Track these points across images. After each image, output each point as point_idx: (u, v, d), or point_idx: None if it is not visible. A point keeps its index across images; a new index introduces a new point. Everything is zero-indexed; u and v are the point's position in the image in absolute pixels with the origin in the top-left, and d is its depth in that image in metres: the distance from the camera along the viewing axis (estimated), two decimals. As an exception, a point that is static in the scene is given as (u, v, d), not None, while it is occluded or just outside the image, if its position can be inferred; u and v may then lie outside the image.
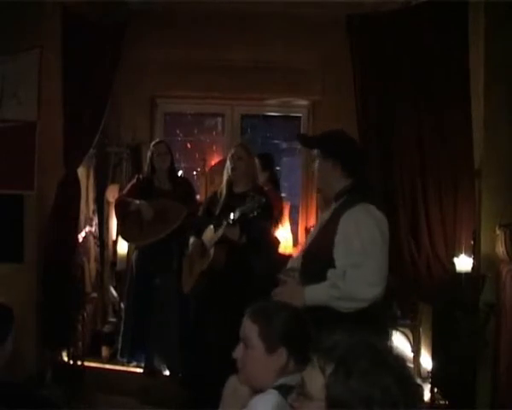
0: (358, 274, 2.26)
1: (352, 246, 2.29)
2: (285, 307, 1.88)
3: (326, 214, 2.55)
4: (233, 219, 3.40)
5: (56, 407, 2.71)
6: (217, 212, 3.73)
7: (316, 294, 2.31)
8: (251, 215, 3.29)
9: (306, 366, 1.29)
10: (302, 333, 1.75)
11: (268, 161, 4.82)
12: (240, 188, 3.75)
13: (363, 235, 2.29)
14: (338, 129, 2.67)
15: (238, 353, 1.81)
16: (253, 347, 1.77)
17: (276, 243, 4.75)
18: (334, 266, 2.33)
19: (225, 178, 3.81)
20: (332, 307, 2.27)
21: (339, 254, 2.32)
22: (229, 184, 3.79)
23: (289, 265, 2.69)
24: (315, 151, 2.58)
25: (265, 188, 4.62)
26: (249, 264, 3.61)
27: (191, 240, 3.82)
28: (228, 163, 3.79)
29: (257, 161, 4.62)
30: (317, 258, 2.43)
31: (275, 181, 4.91)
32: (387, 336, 2.56)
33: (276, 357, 1.74)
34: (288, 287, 2.41)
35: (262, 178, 4.63)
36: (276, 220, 4.74)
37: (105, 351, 4.60)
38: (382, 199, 3.63)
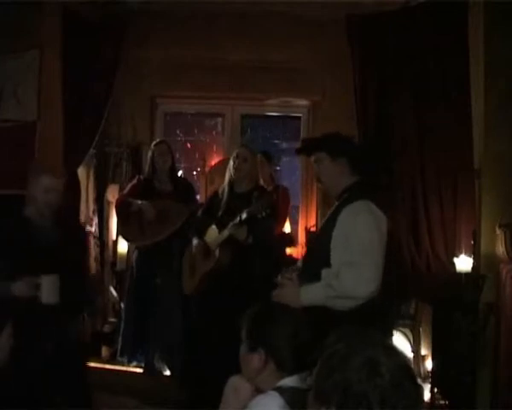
0: (353, 272, 2.26)
1: (349, 242, 2.29)
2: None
3: (329, 212, 2.56)
4: (240, 220, 3.37)
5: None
6: (219, 212, 3.69)
7: (311, 294, 2.32)
8: (259, 216, 3.25)
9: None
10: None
11: (270, 159, 4.79)
12: (242, 188, 3.71)
13: (360, 231, 2.29)
14: (334, 132, 2.68)
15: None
16: None
17: (290, 239, 4.74)
18: (330, 264, 2.33)
19: (227, 178, 3.76)
20: (329, 306, 2.27)
21: (335, 250, 2.33)
22: (231, 184, 3.76)
23: (298, 264, 2.71)
24: (316, 155, 2.54)
25: (272, 186, 4.65)
26: (254, 264, 3.58)
27: (194, 241, 3.77)
28: (231, 163, 3.72)
29: (261, 157, 4.63)
30: (316, 255, 2.45)
31: (273, 179, 4.85)
32: (391, 335, 2.56)
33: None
34: (285, 289, 2.42)
35: (265, 175, 4.61)
36: (284, 219, 4.73)
37: (105, 351, 4.59)
38: (387, 197, 3.61)
